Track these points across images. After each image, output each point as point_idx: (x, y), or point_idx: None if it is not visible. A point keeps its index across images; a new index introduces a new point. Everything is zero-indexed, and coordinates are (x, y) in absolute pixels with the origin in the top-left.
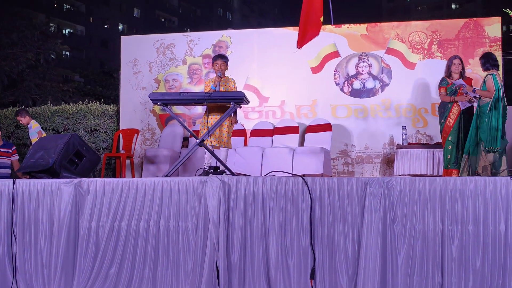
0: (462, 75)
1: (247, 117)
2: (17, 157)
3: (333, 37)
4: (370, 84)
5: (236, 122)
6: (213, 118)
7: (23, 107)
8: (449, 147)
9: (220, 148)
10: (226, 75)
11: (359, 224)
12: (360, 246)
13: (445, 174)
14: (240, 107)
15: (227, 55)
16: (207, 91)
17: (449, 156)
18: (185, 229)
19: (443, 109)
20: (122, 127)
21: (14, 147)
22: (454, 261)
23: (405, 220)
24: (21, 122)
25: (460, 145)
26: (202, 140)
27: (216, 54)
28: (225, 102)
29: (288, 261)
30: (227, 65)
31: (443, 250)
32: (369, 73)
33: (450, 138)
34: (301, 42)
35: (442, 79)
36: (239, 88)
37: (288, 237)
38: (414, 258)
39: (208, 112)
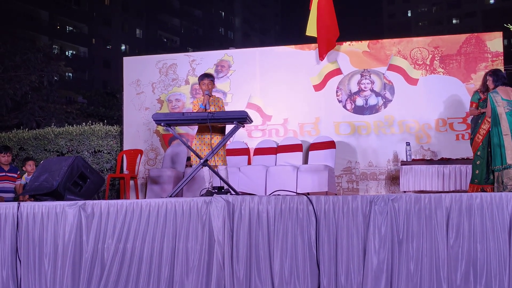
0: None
1: (250, 136)
2: (21, 181)
3: (335, 54)
4: (372, 100)
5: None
6: (209, 138)
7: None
8: (478, 162)
9: (219, 166)
10: (213, 94)
11: (365, 242)
12: (366, 264)
13: (471, 190)
14: (244, 126)
15: (229, 74)
16: (195, 110)
17: (477, 171)
18: (190, 249)
19: (474, 124)
20: (125, 147)
21: (19, 172)
22: (462, 279)
23: (411, 237)
24: (25, 168)
25: (490, 160)
26: (206, 160)
27: (203, 73)
28: (228, 122)
29: (294, 280)
30: (214, 84)
31: (450, 268)
32: (372, 90)
33: (479, 153)
34: (325, 52)
35: (475, 93)
36: (242, 107)
37: (293, 256)
38: (422, 276)
39: (202, 131)
